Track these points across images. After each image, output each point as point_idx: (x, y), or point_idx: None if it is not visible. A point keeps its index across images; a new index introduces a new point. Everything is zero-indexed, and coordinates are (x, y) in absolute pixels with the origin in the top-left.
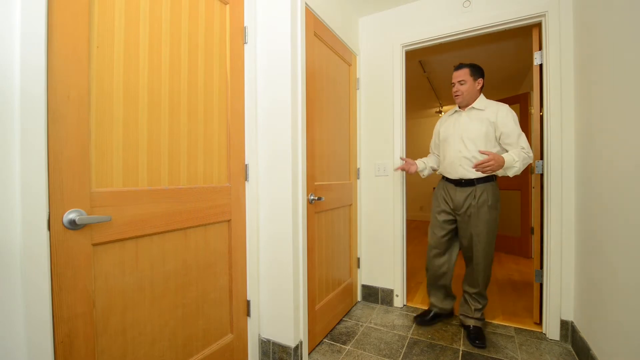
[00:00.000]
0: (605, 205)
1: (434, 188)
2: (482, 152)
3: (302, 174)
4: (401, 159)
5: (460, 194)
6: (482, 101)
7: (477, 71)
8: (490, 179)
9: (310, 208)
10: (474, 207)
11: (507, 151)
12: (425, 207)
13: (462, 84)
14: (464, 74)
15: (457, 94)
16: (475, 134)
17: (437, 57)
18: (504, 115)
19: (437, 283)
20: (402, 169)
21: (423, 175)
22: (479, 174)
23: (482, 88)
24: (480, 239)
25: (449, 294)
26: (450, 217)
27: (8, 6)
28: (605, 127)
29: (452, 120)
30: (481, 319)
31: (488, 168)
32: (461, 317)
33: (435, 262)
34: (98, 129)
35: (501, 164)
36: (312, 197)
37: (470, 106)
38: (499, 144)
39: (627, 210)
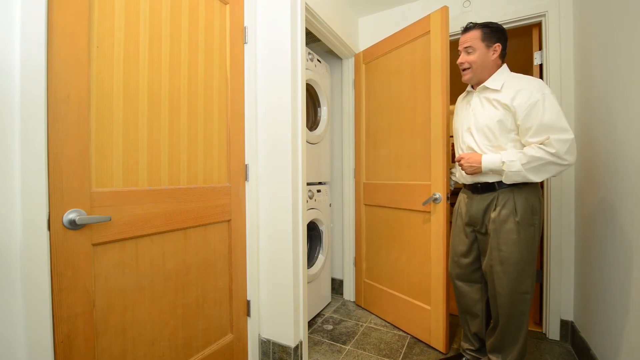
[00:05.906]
0: (605, 205)
1: None
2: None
3: (302, 173)
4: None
5: (477, 204)
6: (499, 76)
7: (492, 34)
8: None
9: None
10: (494, 223)
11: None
12: None
13: (469, 53)
14: (472, 38)
15: (464, 67)
16: (486, 122)
17: None
18: (526, 98)
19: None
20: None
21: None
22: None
23: (502, 57)
24: (502, 273)
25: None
26: (472, 237)
27: (8, 6)
28: (606, 128)
29: (462, 105)
30: None
31: (460, 166)
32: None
33: (461, 290)
34: (98, 129)
35: (476, 163)
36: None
37: (482, 84)
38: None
39: (628, 210)
